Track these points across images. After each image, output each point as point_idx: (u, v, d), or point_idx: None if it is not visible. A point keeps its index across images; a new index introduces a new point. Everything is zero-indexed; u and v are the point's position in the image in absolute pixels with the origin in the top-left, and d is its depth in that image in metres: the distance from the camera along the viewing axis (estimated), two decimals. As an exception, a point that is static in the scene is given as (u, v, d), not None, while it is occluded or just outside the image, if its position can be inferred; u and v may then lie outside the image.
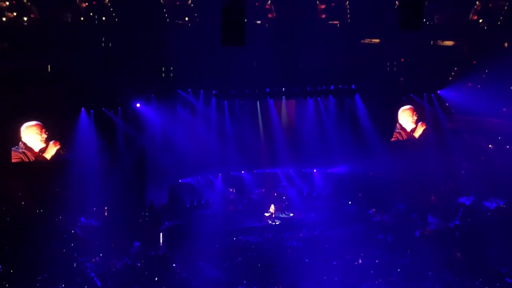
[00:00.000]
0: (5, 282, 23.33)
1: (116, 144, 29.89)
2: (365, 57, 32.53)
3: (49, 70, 28.87)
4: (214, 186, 32.18)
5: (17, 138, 28.43)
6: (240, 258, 26.54)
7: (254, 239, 28.97)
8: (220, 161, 31.54)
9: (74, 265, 25.22)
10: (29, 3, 27.56)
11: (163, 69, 30.37)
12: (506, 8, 32.16)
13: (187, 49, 29.44)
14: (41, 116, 28.74)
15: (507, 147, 34.00)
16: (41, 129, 28.76)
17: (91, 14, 28.81)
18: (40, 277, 23.64)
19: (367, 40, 33.04)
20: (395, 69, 33.93)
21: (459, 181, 33.02)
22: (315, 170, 33.72)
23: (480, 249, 26.70)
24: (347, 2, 31.11)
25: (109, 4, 28.82)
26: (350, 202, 32.78)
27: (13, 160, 28.45)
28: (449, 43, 34.18)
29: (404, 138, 34.70)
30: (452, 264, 25.86)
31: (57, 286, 23.47)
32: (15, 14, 27.61)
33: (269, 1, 30.28)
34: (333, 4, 31.34)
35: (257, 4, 30.20)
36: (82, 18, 28.60)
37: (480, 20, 32.79)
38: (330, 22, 31.77)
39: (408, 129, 34.79)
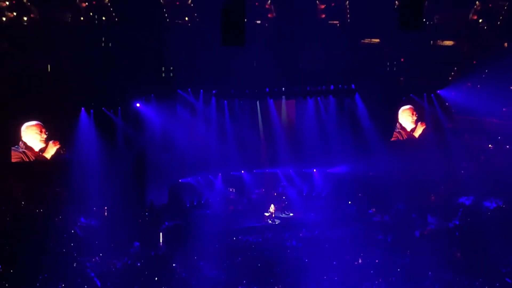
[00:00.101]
0: (5, 282, 23.33)
1: (116, 144, 29.89)
2: (365, 57, 32.54)
3: (49, 70, 28.88)
4: (214, 186, 32.18)
5: (17, 138, 28.44)
6: (240, 258, 26.54)
7: (254, 239, 28.96)
8: (220, 161, 31.55)
9: (74, 265, 25.22)
10: (29, 3, 27.57)
11: (163, 69, 30.37)
12: (506, 8, 32.18)
13: (187, 49, 29.47)
14: (41, 116, 28.75)
15: (507, 147, 34.00)
16: (41, 129, 28.77)
17: (91, 14, 28.82)
18: (40, 277, 23.64)
19: (367, 40, 33.05)
20: (395, 69, 33.94)
21: (459, 181, 33.02)
22: (315, 170, 33.73)
23: (480, 249, 26.69)
24: (347, 2, 31.12)
25: (109, 4, 28.83)
26: (350, 202, 32.79)
27: (13, 160, 28.46)
28: (449, 43, 34.19)
29: (404, 138, 34.70)
30: (452, 264, 25.86)
31: (57, 286, 23.47)
32: (15, 14, 27.61)
33: (269, 1, 30.29)
34: (333, 4, 31.36)
35: (257, 4, 30.21)
36: (82, 18, 28.61)
37: (480, 20, 32.80)
38: (330, 22, 31.78)
39: (408, 129, 34.80)
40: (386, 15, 29.02)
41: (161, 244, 28.38)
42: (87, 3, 28.56)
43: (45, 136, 28.86)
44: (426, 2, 28.89)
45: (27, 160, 28.62)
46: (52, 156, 29.06)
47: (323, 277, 24.67)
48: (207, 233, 27.59)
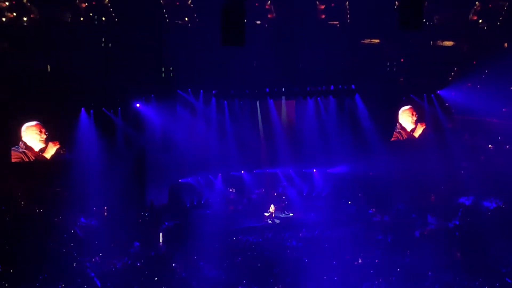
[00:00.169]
0: (5, 282, 23.34)
1: (116, 144, 29.89)
2: (365, 57, 32.54)
3: (49, 70, 28.88)
4: (214, 186, 32.18)
5: (17, 138, 28.44)
6: (240, 258, 26.54)
7: (254, 239, 28.97)
8: (220, 161, 31.55)
9: (74, 265, 25.23)
10: (29, 4, 27.57)
11: (163, 69, 30.38)
12: (505, 8, 32.17)
13: (187, 49, 29.46)
14: (41, 116, 28.75)
15: (507, 147, 34.00)
16: (41, 129, 28.77)
17: (91, 14, 28.82)
18: (40, 277, 23.65)
19: (367, 40, 33.04)
20: (395, 69, 33.94)
21: (459, 181, 33.03)
22: (314, 170, 33.73)
23: (480, 249, 26.70)
24: (347, 2, 31.11)
25: (108, 4, 28.83)
26: (350, 202, 32.78)
27: (13, 160, 28.46)
28: (449, 43, 34.19)
29: (404, 138, 34.70)
30: (452, 264, 25.88)
31: (57, 286, 23.48)
32: (15, 14, 27.62)
33: (269, 1, 30.30)
34: (333, 5, 31.36)
35: (257, 4, 30.21)
36: (82, 19, 28.62)
37: (480, 21, 32.80)
38: (330, 22, 31.78)
39: (408, 129, 34.80)
40: (386, 16, 29.02)
41: (161, 244, 28.38)
42: (87, 4, 28.57)
43: (45, 136, 28.86)
44: (426, 2, 28.85)
45: (27, 160, 28.62)
46: (52, 156, 29.06)
47: (323, 277, 24.68)
48: (207, 233, 27.59)
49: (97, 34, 29.24)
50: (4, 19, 27.48)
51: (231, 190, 32.80)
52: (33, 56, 28.02)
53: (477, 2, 32.33)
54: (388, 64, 33.84)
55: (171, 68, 30.40)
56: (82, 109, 29.16)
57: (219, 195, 32.09)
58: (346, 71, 32.57)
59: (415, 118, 34.76)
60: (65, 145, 29.17)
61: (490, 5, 32.41)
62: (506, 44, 33.73)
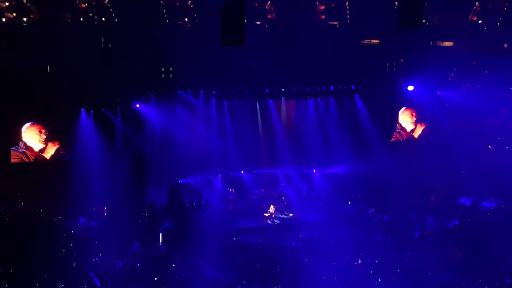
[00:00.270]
0: (5, 282, 23.35)
1: (116, 145, 29.91)
2: (365, 58, 32.53)
3: (48, 70, 28.88)
4: (214, 186, 32.20)
5: (17, 138, 28.45)
6: (239, 258, 26.56)
7: (254, 239, 28.99)
8: (219, 161, 31.58)
9: (74, 265, 25.24)
10: (28, 4, 27.57)
11: (163, 69, 30.39)
12: (505, 9, 32.16)
13: (187, 50, 29.45)
14: (41, 116, 28.76)
15: (506, 147, 34.01)
16: (41, 129, 28.78)
17: (90, 14, 28.81)
18: (40, 277, 23.66)
19: (366, 41, 33.04)
20: (394, 70, 33.93)
21: (459, 182, 33.03)
22: (314, 171, 33.73)
23: (480, 249, 26.71)
24: (347, 2, 31.11)
25: (108, 5, 28.84)
26: (349, 202, 32.80)
27: (13, 160, 28.47)
28: (448, 43, 34.19)
29: (404, 139, 34.71)
30: (452, 265, 25.89)
31: (57, 286, 23.49)
32: (14, 14, 27.62)
33: (269, 2, 30.29)
34: (332, 5, 31.34)
35: (256, 4, 30.19)
36: (81, 19, 28.61)
37: (480, 21, 32.79)
38: (329, 22, 31.77)
39: (408, 130, 34.82)
40: (386, 16, 29.01)
41: (160, 244, 28.38)
42: (86, 4, 28.56)
43: (44, 136, 28.87)
44: (426, 2, 28.85)
45: (27, 160, 28.64)
46: (52, 157, 29.06)
47: (322, 277, 24.70)
48: (207, 233, 27.60)
49: (97, 34, 29.24)
50: (4, 19, 27.47)
51: (230, 190, 32.80)
52: (33, 56, 28.00)
53: (476, 3, 32.32)
54: (387, 64, 33.83)
55: (170, 69, 30.41)
56: (82, 109, 29.18)
57: (218, 195, 32.11)
58: (346, 72, 32.56)
59: (414, 119, 34.78)
60: (65, 146, 29.18)
61: (490, 6, 32.40)
62: (505, 45, 33.73)
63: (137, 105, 30.21)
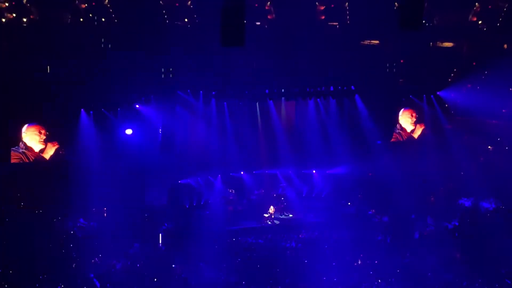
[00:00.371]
0: (5, 283, 23.35)
1: (116, 145, 29.90)
2: (365, 58, 32.51)
3: (48, 71, 28.88)
4: (214, 187, 32.19)
5: (17, 138, 28.45)
6: (239, 259, 26.58)
7: (254, 240, 29.00)
8: (219, 162, 31.58)
9: (74, 266, 25.24)
10: (28, 4, 27.56)
11: (163, 70, 30.36)
12: (505, 9, 32.13)
13: (187, 50, 29.44)
14: (41, 116, 28.75)
15: (507, 148, 34.00)
16: (41, 129, 28.77)
17: (90, 15, 28.80)
18: (39, 277, 23.65)
19: (366, 41, 33.02)
20: (394, 70, 33.91)
21: (459, 182, 33.02)
22: (314, 171, 33.72)
23: (480, 250, 26.73)
24: (347, 3, 31.09)
25: (108, 5, 28.82)
26: (349, 203, 32.79)
27: (13, 160, 28.46)
28: (448, 44, 34.16)
29: (404, 139, 34.70)
30: (452, 265, 25.90)
31: (56, 286, 23.50)
32: (14, 15, 27.61)
33: (269, 2, 30.27)
34: (332, 5, 31.31)
35: (256, 5, 30.17)
36: (81, 19, 28.60)
37: (480, 22, 32.75)
38: (329, 23, 31.75)
39: (408, 130, 34.82)
40: (385, 17, 28.99)
41: (160, 245, 28.37)
42: (86, 4, 28.54)
43: (44, 137, 28.86)
44: (426, 3, 28.84)
45: (27, 160, 28.63)
46: (51, 157, 29.06)
47: (322, 278, 24.73)
48: (207, 234, 27.62)
49: (96, 34, 29.22)
50: (4, 19, 27.47)
51: (230, 191, 32.79)
52: (33, 56, 28.00)
53: (476, 3, 32.29)
54: (387, 65, 33.81)
55: (170, 69, 30.37)
56: (82, 109, 29.18)
57: (218, 196, 32.10)
58: (346, 72, 32.54)
59: (414, 119, 34.77)
60: (65, 146, 29.17)
61: (489, 6, 32.37)
62: (505, 45, 33.70)
63: (137, 106, 30.20)
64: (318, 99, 33.13)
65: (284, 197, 32.88)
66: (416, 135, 34.84)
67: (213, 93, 31.20)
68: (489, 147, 34.64)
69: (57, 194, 28.69)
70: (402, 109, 34.59)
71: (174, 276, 25.18)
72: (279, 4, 30.42)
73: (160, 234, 28.72)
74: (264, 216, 31.43)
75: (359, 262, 26.50)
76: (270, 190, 33.39)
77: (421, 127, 34.79)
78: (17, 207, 28.21)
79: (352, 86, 33.16)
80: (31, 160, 28.67)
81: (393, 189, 31.02)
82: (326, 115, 33.29)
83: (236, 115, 32.02)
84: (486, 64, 32.90)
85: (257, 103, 32.51)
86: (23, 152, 28.54)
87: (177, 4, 29.49)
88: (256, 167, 33.03)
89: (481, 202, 31.54)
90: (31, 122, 28.69)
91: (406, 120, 34.75)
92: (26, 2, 27.54)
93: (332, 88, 33.12)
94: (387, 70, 33.77)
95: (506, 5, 31.95)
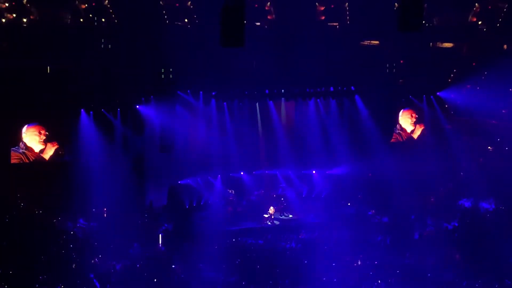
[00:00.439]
0: (4, 283, 23.34)
1: (116, 145, 29.90)
2: (365, 59, 32.52)
3: (48, 71, 28.88)
4: (213, 187, 32.16)
5: (17, 138, 28.45)
6: (239, 260, 26.56)
7: (253, 241, 28.98)
8: (219, 162, 31.56)
9: (73, 266, 25.23)
10: (28, 5, 27.58)
11: (163, 70, 30.35)
12: (505, 10, 32.16)
13: (187, 50, 29.43)
14: (41, 116, 28.75)
15: (506, 148, 34.01)
16: (41, 130, 28.77)
17: (90, 15, 28.81)
18: (39, 278, 23.64)
19: (366, 42, 33.04)
20: (394, 71, 33.91)
21: (459, 183, 33.04)
22: (314, 172, 33.72)
23: (479, 250, 26.72)
24: (347, 3, 31.11)
25: (108, 6, 28.84)
26: (349, 203, 32.77)
27: (13, 161, 28.47)
28: (448, 45, 34.19)
29: (404, 139, 34.71)
30: (451, 266, 25.90)
31: (56, 287, 23.48)
32: (14, 15, 27.63)
33: (269, 3, 30.29)
34: (332, 6, 31.33)
35: (256, 5, 30.19)
36: (81, 20, 28.61)
37: (479, 22, 32.79)
38: (329, 23, 31.77)
39: (408, 131, 34.83)
40: (385, 17, 28.99)
41: (160, 245, 28.37)
42: (86, 5, 28.56)
43: (44, 137, 28.86)
44: (426, 3, 28.84)
45: (27, 161, 28.64)
46: (51, 157, 29.06)
47: (322, 279, 24.72)
48: (206, 234, 27.61)
49: (96, 35, 29.23)
50: (4, 20, 27.48)
51: (230, 191, 32.77)
52: (32, 56, 28.01)
53: (476, 4, 32.32)
54: (387, 65, 33.81)
55: (170, 69, 30.35)
56: (82, 110, 29.18)
57: (218, 196, 32.07)
58: (346, 73, 32.55)
59: (414, 120, 34.78)
60: (65, 146, 29.17)
61: (489, 7, 32.40)
62: (505, 46, 33.72)
63: (137, 106, 30.20)
64: (318, 100, 33.12)
65: (284, 197, 32.86)
66: (416, 135, 34.86)
67: (213, 93, 31.20)
68: (489, 147, 34.66)
69: (57, 194, 28.68)
70: (402, 110, 34.62)
71: (173, 276, 25.16)
72: (279, 4, 30.45)
73: (160, 235, 28.71)
74: (264, 216, 31.42)
75: (359, 263, 26.49)
76: (270, 191, 33.38)
77: (421, 127, 34.80)
78: (17, 207, 28.18)
79: (352, 87, 33.17)
80: (31, 160, 28.68)
81: (393, 190, 31.02)
82: (326, 116, 33.28)
83: (236, 116, 32.01)
84: (486, 64, 32.92)
85: (257, 103, 32.50)
86: (23, 152, 28.55)
87: (177, 4, 29.52)
88: (256, 168, 33.01)
89: (481, 203, 31.54)
90: (31, 122, 28.69)
91: (406, 120, 34.76)
92: (26, 2, 27.56)
93: (332, 89, 33.13)
94: (387, 70, 33.77)
95: (506, 5, 32.01)
